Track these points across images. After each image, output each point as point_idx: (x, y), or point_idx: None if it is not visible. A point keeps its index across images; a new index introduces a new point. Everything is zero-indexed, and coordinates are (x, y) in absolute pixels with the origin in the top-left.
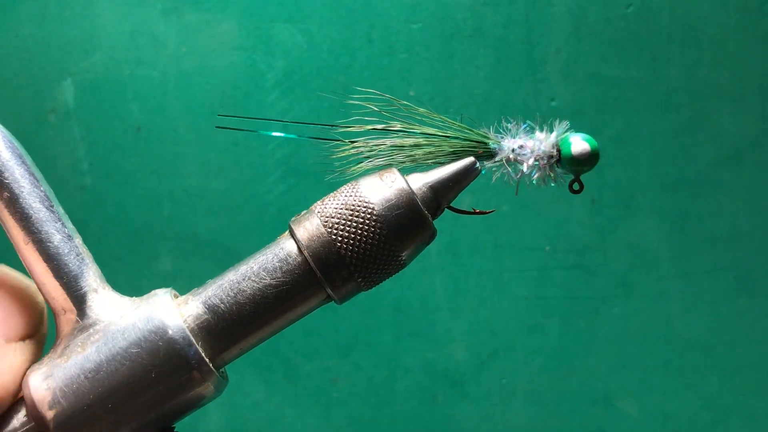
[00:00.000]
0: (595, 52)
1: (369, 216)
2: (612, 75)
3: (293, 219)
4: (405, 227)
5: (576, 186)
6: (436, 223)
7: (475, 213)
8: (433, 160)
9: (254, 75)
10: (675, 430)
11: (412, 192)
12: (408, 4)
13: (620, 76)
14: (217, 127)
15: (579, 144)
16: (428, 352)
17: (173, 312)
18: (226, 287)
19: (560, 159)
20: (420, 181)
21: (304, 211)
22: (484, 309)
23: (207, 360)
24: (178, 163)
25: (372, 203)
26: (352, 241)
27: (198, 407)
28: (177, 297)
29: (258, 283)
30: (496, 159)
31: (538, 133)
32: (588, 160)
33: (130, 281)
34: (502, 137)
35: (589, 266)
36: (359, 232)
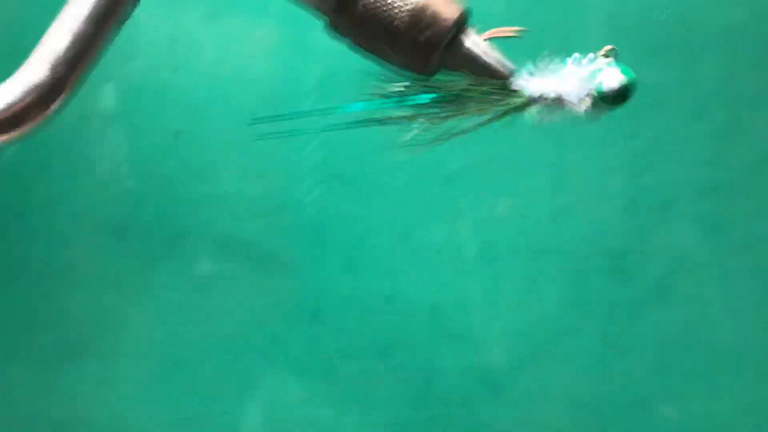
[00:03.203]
0: (630, 57)
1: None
2: (647, 80)
3: None
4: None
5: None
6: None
7: (500, 35)
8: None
9: (291, 80)
10: None
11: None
12: None
13: (655, 81)
14: (257, 138)
15: (612, 78)
16: (465, 355)
17: None
18: None
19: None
20: (471, 39)
21: None
22: (520, 312)
23: None
24: (216, 166)
25: None
26: None
27: None
28: None
29: None
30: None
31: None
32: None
33: (170, 282)
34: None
35: (626, 270)
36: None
